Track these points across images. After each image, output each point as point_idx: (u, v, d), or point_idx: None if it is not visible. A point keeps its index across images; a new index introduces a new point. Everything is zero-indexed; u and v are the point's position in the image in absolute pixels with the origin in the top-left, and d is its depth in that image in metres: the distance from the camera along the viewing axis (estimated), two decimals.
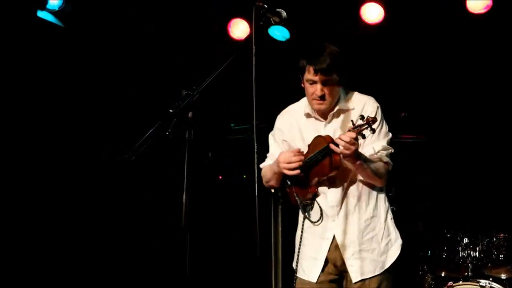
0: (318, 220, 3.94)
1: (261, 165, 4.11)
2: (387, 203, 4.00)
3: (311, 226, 3.97)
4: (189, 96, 2.92)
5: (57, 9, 6.13)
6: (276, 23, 3.33)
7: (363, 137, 3.60)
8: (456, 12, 6.20)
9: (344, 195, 3.90)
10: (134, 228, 6.48)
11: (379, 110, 3.91)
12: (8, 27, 5.81)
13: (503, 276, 5.46)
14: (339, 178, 3.89)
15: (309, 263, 3.99)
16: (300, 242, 4.03)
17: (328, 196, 3.92)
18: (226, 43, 6.53)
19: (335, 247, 3.91)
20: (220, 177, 7.00)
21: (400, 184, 5.99)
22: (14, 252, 5.89)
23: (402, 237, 5.76)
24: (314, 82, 3.83)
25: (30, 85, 6.04)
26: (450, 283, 5.27)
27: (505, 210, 5.76)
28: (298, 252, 4.02)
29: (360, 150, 3.79)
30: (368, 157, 3.80)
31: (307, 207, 3.95)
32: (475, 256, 5.45)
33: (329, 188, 3.91)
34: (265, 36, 6.39)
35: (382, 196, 3.97)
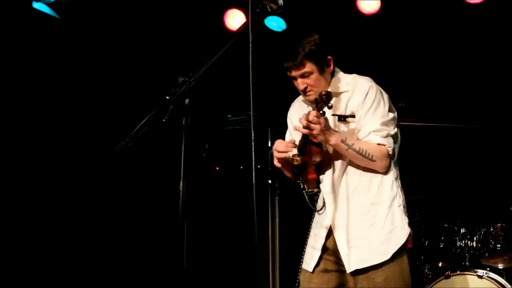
0: (321, 209, 3.80)
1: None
2: (395, 190, 3.76)
3: (317, 215, 3.85)
4: (185, 83, 2.90)
5: (52, 0, 6.09)
6: (273, 11, 3.30)
7: (323, 114, 3.49)
8: (453, 2, 6.21)
9: (341, 181, 3.76)
10: (131, 216, 6.47)
11: (372, 89, 3.72)
12: (2, 18, 5.77)
13: (500, 266, 5.48)
14: (336, 164, 3.77)
15: (309, 253, 3.86)
16: (308, 232, 3.90)
17: (324, 182, 3.80)
18: (222, 34, 6.51)
19: (333, 236, 3.77)
20: (217, 168, 7.00)
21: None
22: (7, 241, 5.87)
23: None
24: (293, 78, 3.77)
25: (25, 77, 6.01)
26: (447, 273, 5.28)
27: (502, 200, 5.76)
28: (305, 242, 3.89)
29: (354, 133, 3.70)
30: (353, 138, 3.67)
31: (314, 196, 3.78)
32: (472, 245, 5.46)
33: (325, 174, 3.79)
34: (261, 26, 6.40)
35: (387, 182, 3.75)
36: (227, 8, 6.63)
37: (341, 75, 3.87)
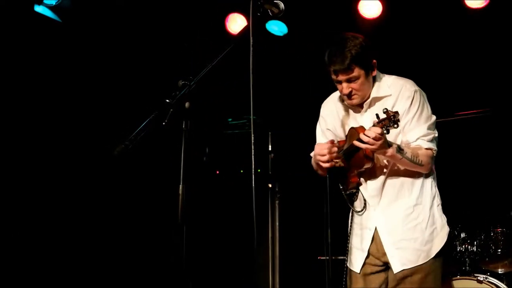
0: (362, 210, 3.88)
1: (311, 154, 4.09)
2: (434, 189, 3.89)
3: (357, 216, 3.92)
4: (186, 86, 2.90)
5: (54, 3, 6.10)
6: (274, 15, 3.30)
7: (388, 132, 3.50)
8: (454, 7, 6.21)
9: (384, 184, 3.82)
10: (131, 219, 6.46)
11: (417, 94, 3.77)
12: (4, 22, 5.78)
13: (501, 271, 5.46)
14: (379, 168, 3.82)
15: (354, 254, 3.93)
16: (349, 232, 3.97)
17: (368, 186, 3.86)
18: (223, 38, 6.52)
19: (378, 237, 3.84)
20: (218, 172, 7.00)
21: None
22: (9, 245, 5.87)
23: None
24: (338, 82, 3.79)
25: (26, 80, 6.01)
26: (447, 277, 5.26)
27: (502, 205, 5.75)
28: (347, 242, 3.96)
29: (398, 137, 3.75)
30: (404, 145, 3.70)
31: (353, 196, 3.88)
32: (473, 250, 5.44)
33: (369, 178, 3.85)
34: (263, 30, 6.41)
35: (428, 183, 3.86)
36: (228, 13, 6.64)
37: (382, 78, 3.89)
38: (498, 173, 6.24)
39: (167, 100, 2.85)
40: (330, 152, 3.76)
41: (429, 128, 3.76)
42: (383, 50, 6.54)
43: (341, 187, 3.86)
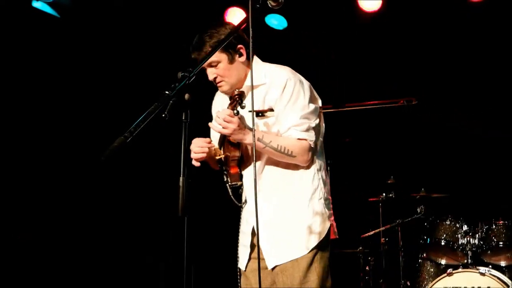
0: (244, 203, 3.69)
1: None
2: (316, 182, 3.61)
3: (243, 211, 3.73)
4: (185, 78, 2.88)
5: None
6: (273, 7, 3.27)
7: (237, 113, 3.35)
8: (454, 0, 6.21)
9: (262, 175, 3.62)
10: (130, 213, 6.45)
11: (290, 81, 3.54)
12: (1, 17, 5.75)
13: (503, 263, 5.48)
14: (252, 158, 3.47)
15: (240, 251, 3.74)
16: (239, 229, 3.78)
17: (245, 178, 3.66)
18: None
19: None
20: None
21: (401, 171, 6.00)
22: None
23: (402, 225, 5.81)
24: (205, 69, 3.64)
25: (24, 76, 5.99)
26: (449, 270, 5.26)
27: (504, 197, 5.75)
28: (238, 240, 3.78)
29: (274, 126, 3.57)
30: (271, 135, 3.53)
31: (238, 190, 3.66)
32: (475, 243, 5.45)
33: (245, 169, 3.65)
34: (262, 24, 6.41)
35: (308, 175, 3.61)
36: (227, 7, 6.62)
37: (259, 65, 3.69)
38: (500, 166, 6.24)
39: (167, 92, 2.82)
40: (201, 147, 3.55)
41: (304, 117, 3.52)
42: (383, 43, 6.58)
43: (225, 180, 3.63)
